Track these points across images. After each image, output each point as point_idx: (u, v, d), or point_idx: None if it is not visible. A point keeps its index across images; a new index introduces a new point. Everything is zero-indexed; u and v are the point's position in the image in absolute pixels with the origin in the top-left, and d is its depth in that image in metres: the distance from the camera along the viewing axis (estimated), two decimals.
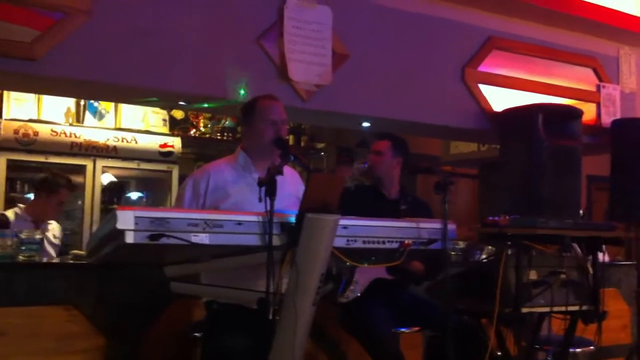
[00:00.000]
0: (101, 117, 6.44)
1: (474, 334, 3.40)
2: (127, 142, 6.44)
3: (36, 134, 5.97)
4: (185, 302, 3.54)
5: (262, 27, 4.32)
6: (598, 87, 5.85)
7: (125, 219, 2.33)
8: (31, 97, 6.08)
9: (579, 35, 5.74)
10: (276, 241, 2.53)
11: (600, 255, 3.60)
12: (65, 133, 6.13)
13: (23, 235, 3.45)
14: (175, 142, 6.72)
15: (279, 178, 2.57)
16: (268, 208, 2.51)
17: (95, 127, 6.34)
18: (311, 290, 2.61)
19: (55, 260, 4.08)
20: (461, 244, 4.36)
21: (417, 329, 3.60)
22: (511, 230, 3.26)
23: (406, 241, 2.89)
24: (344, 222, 2.69)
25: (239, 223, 2.53)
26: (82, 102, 6.31)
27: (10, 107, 6.01)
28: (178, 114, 7.05)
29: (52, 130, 6.07)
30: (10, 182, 6.05)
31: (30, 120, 6.01)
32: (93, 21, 3.79)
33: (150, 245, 2.37)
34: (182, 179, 5.80)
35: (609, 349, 4.63)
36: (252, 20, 4.29)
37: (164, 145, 6.63)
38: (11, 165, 5.93)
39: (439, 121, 5.11)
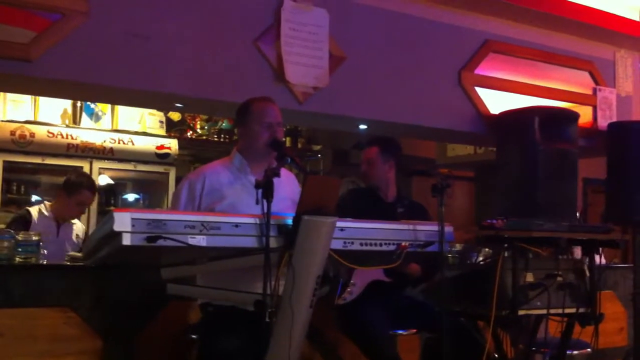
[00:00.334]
0: (98, 118, 6.44)
1: (471, 337, 3.40)
2: (124, 143, 6.43)
3: (33, 135, 5.96)
4: (181, 304, 3.53)
5: (259, 30, 4.32)
6: (594, 90, 5.86)
7: (122, 221, 2.33)
8: (28, 98, 6.07)
9: (575, 39, 5.76)
10: (273, 243, 2.53)
11: (597, 258, 3.61)
12: (61, 134, 6.12)
13: (20, 237, 3.45)
14: (172, 144, 6.71)
15: (275, 180, 2.57)
16: (265, 210, 2.51)
17: (91, 129, 6.34)
18: (308, 293, 2.62)
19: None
20: (458, 246, 4.36)
21: (414, 331, 3.60)
22: (508, 232, 3.26)
23: (403, 243, 2.90)
24: (341, 224, 2.70)
25: (236, 225, 2.53)
26: (78, 104, 6.30)
27: (7, 109, 6.00)
28: (175, 116, 7.05)
29: (48, 132, 6.06)
30: (6, 183, 6.04)
31: (27, 122, 6.00)
32: (90, 23, 3.78)
33: (147, 247, 2.37)
34: (179, 180, 5.79)
35: (606, 352, 4.63)
36: (248, 22, 4.29)
37: (161, 147, 6.63)
38: (7, 167, 5.92)
39: (435, 124, 5.11)
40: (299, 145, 7.86)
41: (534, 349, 3.74)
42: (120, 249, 2.37)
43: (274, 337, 2.59)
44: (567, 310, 3.40)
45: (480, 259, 3.97)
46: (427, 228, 3.04)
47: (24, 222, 4.48)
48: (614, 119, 5.81)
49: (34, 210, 4.62)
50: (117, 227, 2.32)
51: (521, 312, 3.25)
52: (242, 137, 3.18)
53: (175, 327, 3.51)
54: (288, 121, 5.70)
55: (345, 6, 4.66)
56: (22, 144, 5.92)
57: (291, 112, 4.38)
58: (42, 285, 3.36)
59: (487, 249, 3.96)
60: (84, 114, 6.34)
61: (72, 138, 6.16)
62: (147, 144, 6.56)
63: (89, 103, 6.32)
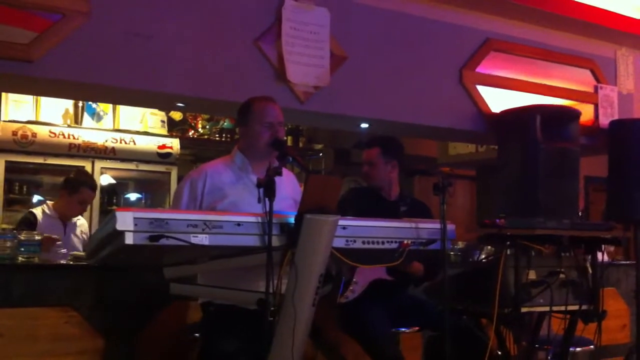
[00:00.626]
0: (99, 118, 6.45)
1: (474, 334, 3.41)
2: (126, 143, 6.44)
3: (34, 135, 5.98)
4: (182, 304, 3.54)
5: (260, 29, 4.32)
6: (595, 88, 5.86)
7: (124, 220, 2.33)
8: (29, 98, 6.08)
9: (576, 37, 5.75)
10: (275, 242, 2.54)
11: (599, 255, 3.61)
12: (63, 134, 6.13)
13: (22, 237, 3.45)
14: (174, 144, 6.72)
15: (276, 179, 2.57)
16: (267, 209, 2.51)
17: (93, 129, 6.35)
18: (310, 291, 2.62)
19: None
20: (460, 244, 4.37)
21: (416, 328, 3.61)
22: (510, 230, 3.26)
23: (405, 241, 2.90)
24: (343, 222, 2.70)
25: (239, 224, 2.53)
26: (80, 104, 6.32)
27: (9, 109, 6.02)
28: (176, 115, 7.06)
29: (50, 132, 6.07)
30: (8, 183, 6.05)
31: (29, 122, 6.01)
32: (90, 23, 3.78)
33: (149, 246, 2.37)
34: (180, 180, 5.79)
35: (608, 349, 4.63)
36: (249, 22, 4.29)
37: (163, 147, 6.64)
38: (9, 167, 5.94)
39: (437, 123, 5.11)
40: (300, 145, 7.87)
41: (536, 346, 3.74)
42: (122, 248, 2.37)
43: (277, 336, 2.59)
44: (570, 308, 3.40)
45: (483, 257, 3.97)
46: (429, 226, 3.04)
47: (29, 224, 4.50)
48: (616, 117, 5.81)
49: (37, 212, 4.65)
50: (119, 227, 2.32)
51: (524, 310, 3.25)
52: (244, 137, 3.18)
53: (177, 326, 3.52)
54: (289, 120, 5.70)
55: (346, 5, 4.66)
56: (23, 144, 5.93)
57: (292, 112, 4.38)
58: (43, 285, 3.36)
59: (489, 247, 3.97)
60: (85, 114, 6.35)
61: (74, 138, 6.17)
62: (148, 144, 6.57)
63: (90, 103, 6.33)
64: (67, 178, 4.82)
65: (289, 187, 3.12)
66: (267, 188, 2.53)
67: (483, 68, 5.27)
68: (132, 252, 2.50)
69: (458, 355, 3.02)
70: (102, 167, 6.32)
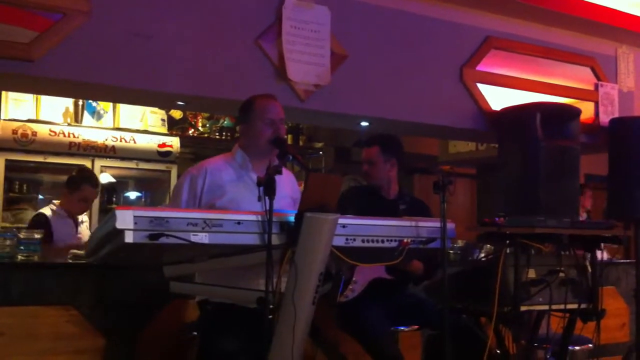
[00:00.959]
0: (99, 117, 6.45)
1: (473, 333, 3.41)
2: (126, 142, 6.45)
3: (35, 134, 5.98)
4: (183, 302, 3.54)
5: (260, 28, 4.32)
6: (596, 86, 5.86)
7: (124, 219, 2.33)
8: (29, 97, 6.09)
9: (576, 35, 5.75)
10: (275, 240, 2.53)
11: (599, 254, 3.61)
12: (63, 133, 6.14)
13: (22, 235, 3.46)
14: (174, 142, 6.73)
15: (276, 178, 2.57)
16: (267, 207, 2.51)
17: (93, 127, 6.35)
18: (310, 290, 2.62)
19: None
20: (460, 243, 4.36)
21: (415, 327, 3.61)
22: (510, 229, 3.26)
23: (405, 240, 2.90)
24: (343, 221, 2.70)
25: (238, 222, 2.53)
26: (80, 102, 6.32)
27: (9, 108, 6.02)
28: (176, 114, 7.06)
29: (50, 130, 6.08)
30: (8, 182, 6.06)
31: (29, 121, 6.02)
32: (91, 23, 3.79)
33: (149, 244, 2.37)
34: None
35: (607, 347, 4.63)
36: (250, 20, 4.30)
37: (163, 145, 6.64)
38: (10, 166, 5.95)
39: (437, 121, 5.11)
40: (301, 143, 7.87)
41: (535, 344, 3.74)
42: (122, 246, 2.37)
43: (277, 335, 2.59)
44: (569, 306, 3.40)
45: (482, 255, 3.96)
46: (429, 225, 3.04)
47: (41, 225, 4.51)
48: (616, 115, 5.81)
49: (46, 212, 4.67)
50: (119, 225, 2.32)
51: (523, 308, 3.25)
52: (245, 134, 3.17)
53: (177, 325, 3.52)
54: (290, 119, 5.70)
55: (347, 4, 4.66)
56: (24, 142, 5.93)
57: (293, 110, 4.38)
58: (43, 284, 3.37)
59: (488, 246, 3.97)
60: (85, 113, 6.36)
61: (74, 136, 6.18)
62: (148, 142, 6.57)
63: (90, 101, 6.33)
64: (69, 176, 4.83)
65: (287, 186, 3.11)
66: (267, 186, 2.53)
67: (483, 66, 5.27)
68: (132, 250, 2.50)
69: (457, 354, 3.02)
70: (102, 166, 6.33)
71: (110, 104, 6.48)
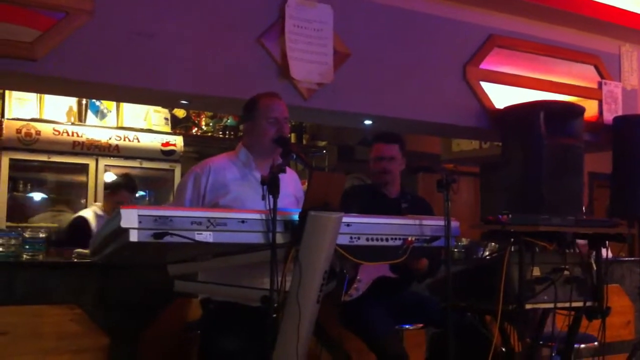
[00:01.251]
0: (103, 116, 6.45)
1: (478, 331, 3.41)
2: (129, 140, 6.44)
3: (38, 133, 5.98)
4: (187, 301, 3.55)
5: (263, 26, 4.32)
6: (600, 84, 5.85)
7: (129, 218, 2.33)
8: (33, 96, 6.08)
9: (580, 33, 5.74)
10: (279, 239, 2.53)
11: (603, 252, 3.60)
12: (67, 132, 6.13)
13: (27, 235, 3.46)
14: (177, 141, 6.73)
15: (280, 177, 2.57)
16: (270, 206, 2.51)
17: (97, 126, 6.35)
18: (315, 288, 2.62)
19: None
20: (464, 241, 4.36)
21: (420, 326, 3.61)
22: (514, 227, 3.25)
23: (409, 238, 2.90)
24: (347, 219, 2.70)
25: (243, 221, 2.53)
26: (84, 102, 6.31)
27: (12, 107, 6.02)
28: (180, 113, 7.06)
29: (54, 130, 6.07)
30: (12, 181, 6.06)
31: (33, 120, 6.01)
32: (94, 22, 3.79)
33: (153, 243, 2.37)
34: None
35: (613, 345, 4.63)
36: (253, 19, 4.30)
37: (166, 144, 6.64)
38: (14, 165, 5.94)
39: (440, 119, 5.11)
40: (304, 142, 7.86)
41: (541, 342, 3.74)
42: (127, 245, 2.38)
43: (281, 333, 2.60)
44: (574, 304, 3.40)
45: (487, 253, 3.96)
46: (433, 223, 3.04)
47: (81, 228, 4.58)
48: (620, 113, 5.80)
49: (87, 214, 4.80)
50: (124, 224, 2.33)
51: (528, 306, 3.24)
52: (249, 133, 3.17)
53: (180, 324, 3.53)
54: (293, 117, 5.69)
55: (349, 2, 4.66)
56: (27, 142, 5.93)
57: (296, 109, 4.38)
58: (47, 283, 3.37)
59: (493, 244, 3.96)
60: (89, 112, 6.36)
61: (78, 136, 6.17)
62: (152, 141, 6.57)
63: (94, 101, 6.33)
64: (112, 181, 5.38)
65: (291, 185, 3.12)
66: (271, 185, 2.53)
67: (486, 64, 5.27)
68: (137, 249, 2.51)
69: (462, 352, 3.02)
70: (105, 165, 6.32)
71: (114, 103, 6.48)
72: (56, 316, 3.33)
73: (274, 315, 2.54)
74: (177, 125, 7.02)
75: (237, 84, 4.19)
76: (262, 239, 2.55)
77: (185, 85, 4.12)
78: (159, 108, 6.67)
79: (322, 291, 2.66)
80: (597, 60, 5.85)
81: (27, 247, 3.44)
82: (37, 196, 6.47)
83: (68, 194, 6.56)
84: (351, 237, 2.74)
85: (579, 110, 5.01)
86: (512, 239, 3.24)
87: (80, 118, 6.31)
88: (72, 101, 6.28)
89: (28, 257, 3.42)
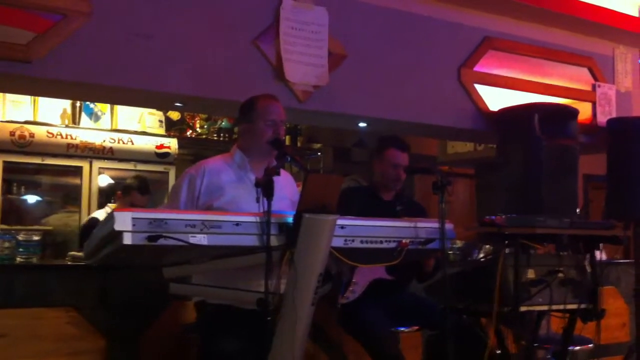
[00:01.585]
0: (97, 118, 6.43)
1: (473, 333, 3.41)
2: (124, 143, 6.43)
3: (32, 135, 5.96)
4: (184, 304, 3.54)
5: (258, 29, 4.31)
6: (594, 86, 5.85)
7: (123, 221, 2.33)
8: (27, 98, 6.06)
9: (574, 35, 5.75)
10: (274, 242, 2.54)
11: (598, 254, 3.61)
12: (61, 134, 6.11)
13: (21, 237, 3.45)
14: (172, 143, 6.71)
15: (274, 179, 2.57)
16: (265, 209, 2.51)
17: (91, 129, 6.33)
18: (310, 291, 2.62)
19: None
20: (459, 244, 4.36)
21: (416, 328, 3.60)
22: (509, 229, 3.25)
23: (404, 241, 2.90)
24: (341, 222, 2.70)
25: (237, 224, 2.53)
26: (78, 104, 6.30)
27: (6, 109, 6.00)
28: (174, 115, 7.05)
29: (48, 132, 6.05)
30: (6, 183, 6.04)
31: (26, 122, 5.99)
32: (91, 23, 3.77)
33: (148, 246, 2.37)
34: None
35: (608, 347, 4.64)
36: (248, 21, 4.29)
37: (161, 147, 6.62)
38: (7, 167, 5.92)
39: (435, 121, 5.11)
40: (299, 144, 7.86)
41: (536, 345, 3.74)
42: (121, 248, 2.37)
43: (277, 336, 2.59)
44: (569, 306, 3.41)
45: (482, 255, 3.96)
46: (428, 225, 3.05)
47: (93, 228, 4.60)
48: (614, 115, 5.81)
49: (100, 215, 4.81)
50: (118, 227, 2.32)
51: (523, 309, 3.25)
52: (245, 134, 3.16)
53: (179, 326, 3.52)
54: (289, 120, 5.65)
55: (345, 4, 4.66)
56: (21, 144, 5.91)
57: (292, 111, 4.37)
58: (45, 285, 3.36)
59: (488, 246, 3.96)
60: (83, 114, 6.34)
61: (72, 138, 6.16)
62: (146, 144, 6.55)
63: (88, 103, 6.32)
64: (123, 182, 5.43)
65: (286, 188, 3.11)
66: (266, 188, 2.52)
67: (481, 67, 5.27)
68: (131, 252, 2.50)
69: (458, 354, 3.02)
70: (100, 167, 6.30)
71: (108, 106, 6.46)
72: (54, 318, 3.32)
73: (270, 318, 2.53)
74: (171, 128, 7.01)
75: (233, 86, 4.18)
76: (257, 242, 2.55)
77: (180, 87, 4.11)
78: (153, 110, 6.66)
79: (318, 293, 2.66)
80: (591, 63, 5.86)
81: (20, 249, 3.43)
82: (31, 199, 6.45)
83: (62, 196, 6.55)
84: (346, 240, 2.74)
85: (573, 113, 5.02)
86: (507, 241, 3.25)
87: (75, 120, 6.30)
88: (66, 104, 6.26)
89: (22, 259, 3.41)
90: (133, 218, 2.34)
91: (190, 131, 7.31)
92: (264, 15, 4.33)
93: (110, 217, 2.39)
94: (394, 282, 3.53)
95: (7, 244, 3.40)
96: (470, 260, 4.09)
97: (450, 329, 2.98)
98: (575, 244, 3.54)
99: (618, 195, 5.05)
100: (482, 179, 5.27)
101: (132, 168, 6.49)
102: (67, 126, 6.21)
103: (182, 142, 6.94)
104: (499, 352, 3.46)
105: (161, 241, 2.36)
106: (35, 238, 3.51)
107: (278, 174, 2.62)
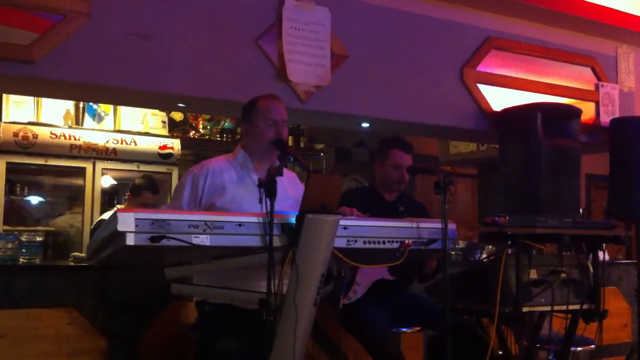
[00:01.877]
0: (100, 119, 6.44)
1: (475, 334, 3.40)
2: (127, 144, 6.43)
3: (35, 136, 5.97)
4: (185, 304, 3.55)
5: (260, 29, 4.32)
6: (597, 86, 5.85)
7: (125, 221, 2.33)
8: (30, 99, 6.07)
9: (577, 35, 5.75)
10: (276, 242, 2.54)
11: (600, 254, 3.60)
12: (64, 135, 6.12)
13: (24, 238, 3.46)
14: (175, 144, 6.72)
15: (278, 179, 2.57)
16: (268, 209, 2.51)
17: (94, 130, 6.34)
18: (312, 291, 2.62)
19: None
20: (461, 244, 4.36)
21: (417, 328, 3.60)
22: (511, 229, 3.25)
23: (406, 241, 2.90)
24: (344, 222, 2.70)
25: (240, 224, 2.53)
26: (81, 105, 6.31)
27: (10, 110, 6.01)
28: (177, 116, 7.05)
29: (51, 133, 6.06)
30: (9, 184, 6.05)
31: (30, 123, 6.01)
32: (91, 24, 3.78)
33: (151, 247, 2.37)
34: None
35: (610, 348, 4.63)
36: (250, 21, 4.29)
37: (164, 147, 6.63)
38: (10, 168, 5.93)
39: (437, 121, 5.11)
40: (301, 144, 7.86)
41: (538, 345, 3.73)
42: (124, 248, 2.37)
43: (278, 336, 2.59)
44: (571, 307, 3.40)
45: (484, 256, 3.96)
46: (430, 225, 3.04)
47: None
48: (617, 115, 5.80)
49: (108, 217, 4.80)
50: (120, 227, 2.32)
51: (525, 309, 3.24)
52: (247, 134, 3.17)
53: (179, 327, 3.53)
54: (291, 120, 5.63)
55: (347, 4, 4.66)
56: (25, 145, 5.92)
57: (294, 111, 4.38)
58: (46, 286, 3.37)
59: (490, 246, 3.96)
60: (86, 115, 6.35)
61: (75, 139, 6.16)
62: (149, 144, 6.56)
63: (91, 104, 6.32)
64: (132, 183, 5.38)
65: (290, 187, 3.11)
66: (268, 188, 2.53)
67: (484, 66, 5.27)
68: (134, 252, 2.50)
69: (459, 354, 3.02)
70: (103, 168, 6.31)
71: (111, 106, 6.47)
72: (54, 319, 3.33)
73: (271, 318, 2.54)
74: (174, 128, 7.02)
75: (235, 86, 4.19)
76: (260, 242, 2.55)
77: (182, 87, 4.11)
78: (156, 111, 6.67)
79: (320, 294, 2.66)
80: (594, 62, 5.85)
81: (23, 250, 3.44)
82: (34, 199, 6.46)
83: (65, 197, 6.56)
84: (348, 240, 2.74)
85: (576, 112, 5.02)
86: (509, 242, 3.24)
87: (78, 121, 6.31)
88: (69, 104, 6.27)
89: (25, 260, 3.42)
90: (136, 219, 2.34)
91: (193, 132, 7.32)
92: (266, 16, 4.34)
93: (113, 218, 2.40)
94: (395, 283, 3.53)
95: (10, 245, 3.41)
96: (472, 260, 4.09)
97: (451, 330, 2.98)
98: (578, 244, 3.54)
99: (620, 195, 5.04)
100: (485, 179, 5.27)
101: (135, 169, 6.50)
102: (70, 127, 6.22)
103: (185, 142, 6.94)
104: (500, 352, 3.45)
105: (164, 242, 2.37)
106: (38, 239, 3.52)
107: (281, 174, 2.62)
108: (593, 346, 3.77)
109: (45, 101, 6.14)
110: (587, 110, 5.61)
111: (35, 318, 3.29)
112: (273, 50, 4.33)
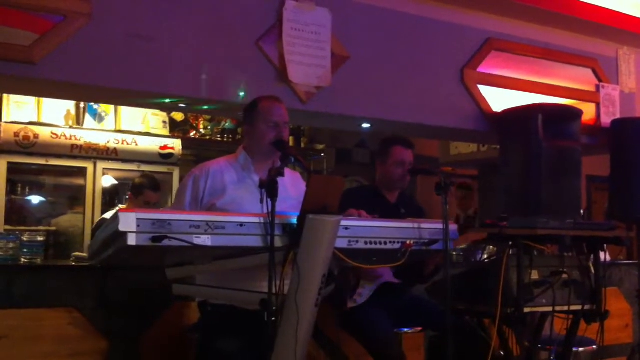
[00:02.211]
0: (101, 119, 6.44)
1: (476, 335, 3.40)
2: (128, 144, 6.44)
3: (36, 136, 5.97)
4: (185, 305, 3.55)
5: (261, 30, 4.32)
6: (597, 87, 5.85)
7: (127, 221, 2.33)
8: (31, 100, 6.07)
9: (577, 36, 5.75)
10: (278, 242, 2.54)
11: (601, 255, 3.60)
12: (65, 135, 6.12)
13: (25, 238, 3.46)
14: (176, 144, 6.72)
15: (279, 180, 2.57)
16: (269, 210, 2.51)
17: (95, 130, 6.34)
18: (313, 292, 2.62)
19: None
20: (462, 245, 4.35)
21: (419, 329, 3.60)
22: (512, 230, 3.25)
23: (408, 242, 2.90)
24: (345, 223, 2.70)
25: (241, 224, 2.53)
26: (81, 105, 6.31)
27: (10, 110, 6.01)
28: (178, 116, 7.06)
29: (52, 133, 6.06)
30: (11, 184, 6.05)
31: (31, 123, 6.01)
32: (92, 25, 3.78)
33: (152, 247, 2.37)
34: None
35: (611, 349, 4.63)
36: (251, 22, 4.29)
37: (164, 147, 6.63)
38: (11, 168, 5.93)
39: (438, 122, 5.11)
40: (302, 145, 7.87)
41: (539, 346, 3.73)
42: (125, 249, 2.37)
43: (280, 337, 2.59)
44: (573, 308, 3.40)
45: (485, 257, 3.96)
46: (432, 226, 3.04)
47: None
48: (617, 116, 5.80)
49: (109, 217, 4.79)
50: (122, 228, 2.32)
51: (526, 310, 3.24)
52: (248, 136, 3.17)
53: (180, 327, 3.53)
54: (291, 121, 5.60)
55: (347, 5, 4.66)
56: (26, 145, 5.92)
57: (294, 112, 4.36)
58: (46, 286, 3.37)
59: (491, 247, 3.96)
60: (87, 115, 6.35)
61: (76, 139, 6.17)
62: (150, 144, 6.57)
63: (92, 104, 6.33)
64: (133, 182, 5.39)
65: (292, 188, 3.12)
66: (269, 189, 2.53)
67: (484, 68, 5.27)
68: (135, 252, 2.51)
69: (460, 355, 3.02)
70: (104, 168, 6.31)
71: (112, 107, 6.47)
72: (55, 320, 3.33)
73: (273, 319, 2.54)
74: (175, 129, 7.02)
75: (236, 87, 4.19)
76: (261, 243, 2.55)
77: (182, 88, 4.11)
78: (156, 111, 6.67)
79: (321, 295, 2.66)
80: (594, 64, 5.86)
81: (25, 250, 3.44)
82: (36, 199, 6.46)
83: (66, 197, 6.56)
84: (350, 241, 2.74)
85: (576, 113, 5.02)
86: (510, 243, 3.24)
87: (78, 121, 6.31)
88: (70, 104, 6.27)
89: (26, 260, 3.42)
90: (137, 219, 2.34)
91: (194, 132, 7.32)
92: (267, 17, 4.34)
93: (114, 218, 2.40)
94: (396, 284, 3.53)
95: (11, 245, 3.41)
96: (473, 261, 4.09)
97: (452, 330, 2.98)
98: (579, 245, 3.54)
99: (621, 197, 5.05)
100: (485, 180, 5.27)
101: (136, 169, 6.50)
102: (71, 127, 6.22)
103: (186, 142, 6.94)
104: (501, 353, 3.45)
105: (165, 242, 2.37)
106: (40, 239, 3.52)
107: (282, 175, 2.63)
108: (594, 347, 3.77)
109: (46, 101, 6.14)
110: (588, 112, 5.61)
111: (35, 318, 3.29)
112: (273, 51, 4.33)
